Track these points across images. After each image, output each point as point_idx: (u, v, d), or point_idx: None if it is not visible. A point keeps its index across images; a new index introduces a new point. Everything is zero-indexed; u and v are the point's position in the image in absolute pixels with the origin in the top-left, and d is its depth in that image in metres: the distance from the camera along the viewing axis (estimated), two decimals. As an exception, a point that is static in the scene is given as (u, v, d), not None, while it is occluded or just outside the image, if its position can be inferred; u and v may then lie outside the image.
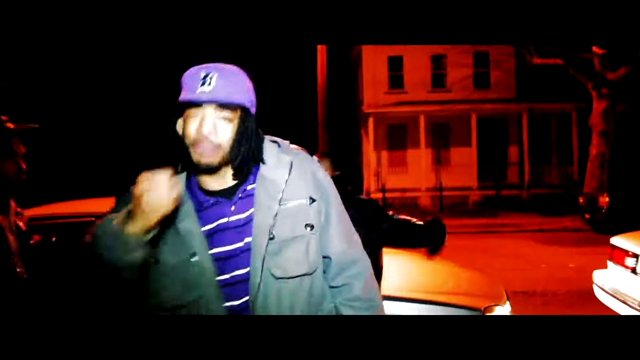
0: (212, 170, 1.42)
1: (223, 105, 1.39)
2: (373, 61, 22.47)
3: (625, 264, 5.17)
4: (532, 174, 21.02)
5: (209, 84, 1.38)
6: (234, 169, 1.45)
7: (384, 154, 22.30)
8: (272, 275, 1.42)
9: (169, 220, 1.35)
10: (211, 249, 1.42)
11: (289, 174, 1.49)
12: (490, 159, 21.73)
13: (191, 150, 1.40)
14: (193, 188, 1.48)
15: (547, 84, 20.14)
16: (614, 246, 5.46)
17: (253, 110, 1.49)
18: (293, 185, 1.49)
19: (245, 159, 1.45)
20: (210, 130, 1.39)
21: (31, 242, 3.00)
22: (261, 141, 1.51)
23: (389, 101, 21.89)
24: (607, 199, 12.73)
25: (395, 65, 22.49)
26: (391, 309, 2.90)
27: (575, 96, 19.27)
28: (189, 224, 1.41)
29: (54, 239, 3.52)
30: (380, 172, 21.72)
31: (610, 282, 5.30)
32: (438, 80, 22.43)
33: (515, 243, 11.75)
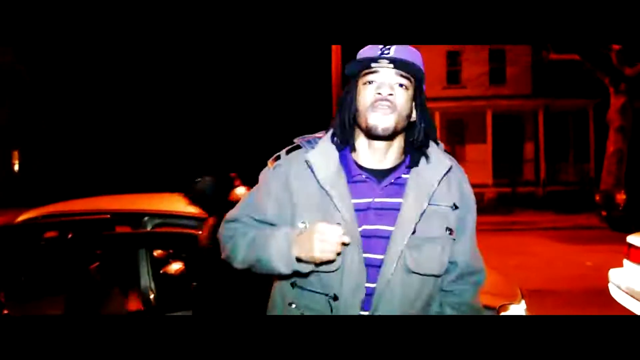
0: (386, 137, 1.47)
1: (402, 70, 1.46)
2: (387, 57, 22.38)
3: (643, 262, 5.11)
4: (548, 171, 20.82)
5: (388, 51, 1.46)
6: (412, 141, 1.53)
7: (399, 151, 22.20)
8: (407, 267, 1.47)
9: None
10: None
11: (443, 177, 1.53)
12: (505, 156, 21.55)
13: (368, 115, 1.46)
14: (347, 160, 1.53)
15: (564, 80, 19.91)
16: (630, 244, 5.40)
17: (424, 87, 1.55)
18: (443, 188, 1.53)
19: (422, 133, 1.53)
20: (390, 91, 1.45)
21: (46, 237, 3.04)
22: (434, 129, 1.57)
23: (404, 97, 21.76)
24: (624, 196, 12.58)
25: (409, 61, 22.37)
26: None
27: (592, 92, 19.04)
28: (343, 193, 1.46)
29: (70, 235, 3.55)
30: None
31: (627, 281, 5.24)
32: (453, 77, 22.28)
33: (531, 241, 11.67)
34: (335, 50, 13.03)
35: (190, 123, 27.79)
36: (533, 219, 15.26)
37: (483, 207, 18.92)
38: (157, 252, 4.08)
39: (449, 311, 1.60)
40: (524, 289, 3.77)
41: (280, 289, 1.61)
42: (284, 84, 27.58)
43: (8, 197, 18.00)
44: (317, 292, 1.50)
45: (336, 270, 1.45)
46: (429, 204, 1.48)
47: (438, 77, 22.10)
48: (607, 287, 5.57)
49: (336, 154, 1.52)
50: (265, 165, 1.64)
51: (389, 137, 1.48)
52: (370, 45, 1.50)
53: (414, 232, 1.46)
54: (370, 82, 1.46)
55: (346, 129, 1.52)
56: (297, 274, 1.49)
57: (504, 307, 3.21)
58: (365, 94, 1.47)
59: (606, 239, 11.22)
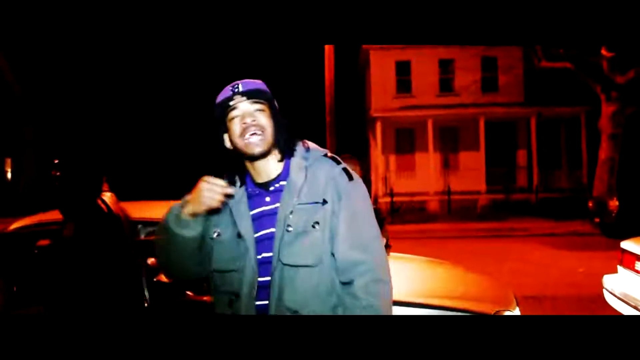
0: (260, 156, 1.74)
1: (255, 98, 1.74)
2: (381, 66, 22.46)
3: (636, 268, 5.13)
4: (541, 178, 20.91)
5: (237, 87, 1.75)
6: (280, 151, 1.78)
7: (392, 158, 22.26)
8: (282, 261, 1.68)
9: (224, 208, 1.75)
10: (255, 232, 1.73)
11: (305, 178, 1.75)
12: (499, 163, 21.62)
13: (242, 143, 1.73)
14: (248, 180, 1.82)
15: (556, 88, 20.03)
16: (624, 250, 5.42)
17: (276, 105, 1.81)
18: (310, 187, 1.73)
19: (286, 142, 1.79)
20: (252, 118, 1.72)
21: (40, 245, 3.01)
22: (294, 136, 1.82)
23: (397, 105, 21.86)
24: (616, 203, 12.64)
25: (403, 69, 22.47)
26: (400, 314, 2.88)
27: (584, 100, 19.17)
28: (241, 208, 1.77)
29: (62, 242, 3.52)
30: (388, 177, 21.69)
31: (621, 286, 5.25)
32: (446, 85, 22.38)
33: (524, 247, 11.69)
34: (329, 50, 13.07)
35: (182, 128, 27.74)
36: (526, 226, 15.30)
37: (477, 214, 19.00)
38: (150, 260, 4.06)
39: (347, 301, 1.69)
40: (518, 295, 3.77)
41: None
42: (278, 84, 27.56)
43: (1, 205, 17.89)
44: (224, 292, 1.76)
45: (233, 271, 1.73)
46: (295, 202, 1.71)
47: (431, 85, 22.21)
48: (601, 293, 5.58)
49: (237, 179, 1.82)
50: None
51: (265, 154, 1.74)
52: (223, 91, 1.78)
53: (288, 230, 1.68)
54: (234, 118, 1.74)
55: (228, 159, 1.81)
56: (213, 278, 1.81)
57: (498, 313, 3.21)
58: (235, 128, 1.74)
59: (599, 245, 11.25)
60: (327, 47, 12.95)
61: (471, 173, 20.99)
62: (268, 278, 1.69)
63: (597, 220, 13.32)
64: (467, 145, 21.84)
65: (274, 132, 1.75)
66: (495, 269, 8.39)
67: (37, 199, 16.35)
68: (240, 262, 1.72)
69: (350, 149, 27.35)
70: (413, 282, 3.82)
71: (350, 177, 1.77)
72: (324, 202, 1.71)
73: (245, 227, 1.73)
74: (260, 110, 1.74)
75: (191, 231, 1.72)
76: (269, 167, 1.78)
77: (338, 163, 1.80)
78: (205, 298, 3.50)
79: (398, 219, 17.28)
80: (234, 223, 1.75)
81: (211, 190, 1.66)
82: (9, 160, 23.27)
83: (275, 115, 1.78)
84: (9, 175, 23.32)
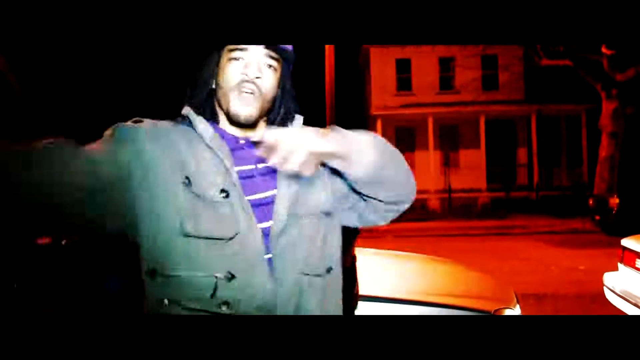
0: (247, 126, 1.35)
1: (272, 50, 1.33)
2: (381, 64, 22.47)
3: (636, 266, 5.14)
4: (542, 176, 20.92)
5: None
6: (273, 121, 1.41)
7: (392, 157, 22.24)
8: (296, 213, 1.32)
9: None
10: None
11: None
12: (499, 161, 21.64)
13: (231, 99, 1.31)
14: (221, 132, 1.37)
15: (557, 86, 20.05)
16: (624, 248, 5.43)
17: (291, 68, 1.43)
18: None
19: (281, 119, 1.42)
20: (257, 74, 1.30)
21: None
22: (296, 106, 1.47)
23: (397, 103, 21.86)
24: (617, 201, 12.65)
25: (403, 67, 22.48)
26: (400, 312, 2.89)
27: (584, 97, 19.18)
28: (227, 160, 1.30)
29: (64, 241, 3.54)
30: (388, 175, 21.68)
31: (622, 284, 5.26)
32: (446, 83, 22.39)
33: (525, 245, 11.69)
34: (329, 50, 13.06)
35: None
36: (527, 224, 15.31)
37: (477, 212, 19.01)
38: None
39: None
40: (519, 293, 3.78)
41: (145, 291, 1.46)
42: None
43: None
44: (201, 276, 1.29)
45: (224, 239, 1.25)
46: None
47: (431, 83, 22.21)
48: (602, 291, 5.59)
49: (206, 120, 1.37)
50: None
51: (251, 123, 1.34)
52: None
53: (293, 187, 1.34)
54: (236, 59, 1.31)
55: (203, 106, 1.38)
56: (158, 258, 1.33)
57: (499, 311, 3.21)
58: (230, 72, 1.31)
59: (600, 243, 11.26)
60: (327, 46, 12.96)
61: (471, 171, 21.01)
62: (268, 224, 1.31)
63: (597, 218, 13.33)
64: (467, 143, 21.86)
65: (273, 97, 1.37)
66: (495, 266, 8.40)
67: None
68: (237, 228, 1.27)
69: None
70: (414, 280, 3.82)
71: None
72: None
73: (236, 184, 1.28)
74: (272, 67, 1.33)
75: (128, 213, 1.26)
76: (259, 129, 1.38)
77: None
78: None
79: (398, 217, 17.25)
80: (217, 174, 1.28)
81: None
82: (9, 159, 23.31)
83: (284, 79, 1.40)
84: (9, 174, 23.36)
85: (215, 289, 1.22)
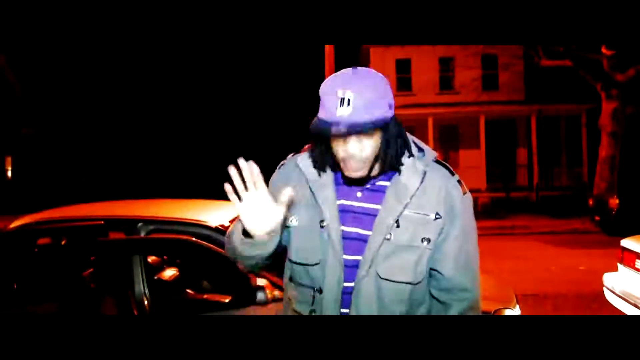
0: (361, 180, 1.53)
1: (359, 132, 1.42)
2: (381, 64, 22.44)
3: (636, 266, 5.13)
4: (542, 176, 20.91)
5: (348, 104, 1.39)
6: (382, 167, 1.53)
7: (392, 157, 22.23)
8: (377, 273, 1.49)
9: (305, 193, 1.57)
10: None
11: (421, 183, 1.52)
12: (499, 161, 21.63)
13: (341, 164, 1.50)
14: (333, 164, 1.58)
15: (556, 86, 20.04)
16: (624, 248, 5.42)
17: (392, 111, 1.52)
18: (423, 196, 1.52)
19: (392, 159, 1.52)
20: (356, 148, 1.45)
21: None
22: (405, 144, 1.58)
23: (397, 103, 21.38)
24: (617, 201, 12.64)
25: (403, 67, 22.47)
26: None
27: (584, 97, 19.17)
28: (327, 193, 1.55)
29: (63, 242, 3.54)
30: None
31: (621, 284, 5.26)
32: (446, 83, 22.38)
33: (525, 245, 11.69)
34: (329, 50, 13.06)
35: (182, 127, 27.74)
36: (527, 224, 15.30)
37: (477, 212, 18.86)
38: (151, 259, 4.07)
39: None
40: (518, 294, 3.78)
41: (285, 285, 1.70)
42: (276, 85, 27.59)
43: (1, 204, 17.90)
44: (306, 286, 1.58)
45: (316, 264, 1.53)
46: (404, 209, 1.50)
47: (431, 83, 22.20)
48: (602, 291, 5.58)
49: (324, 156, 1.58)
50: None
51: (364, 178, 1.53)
52: (328, 87, 1.45)
53: (389, 239, 1.49)
54: (335, 136, 1.46)
55: (323, 156, 1.57)
56: (289, 271, 1.64)
57: (499, 311, 3.21)
58: (336, 149, 1.50)
59: (600, 243, 11.25)
60: (327, 47, 12.95)
61: (471, 171, 20.98)
62: (350, 284, 1.51)
63: (597, 218, 13.32)
64: (467, 143, 21.84)
65: (382, 152, 1.50)
66: (495, 267, 8.40)
67: (37, 198, 16.35)
68: (322, 256, 1.53)
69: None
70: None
71: (464, 191, 1.60)
72: (437, 216, 1.52)
73: (331, 215, 1.52)
74: (369, 135, 1.46)
75: (270, 245, 1.50)
76: (369, 169, 1.53)
77: (452, 173, 1.60)
78: (205, 296, 3.50)
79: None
80: (316, 209, 1.54)
81: (258, 208, 1.43)
82: (9, 159, 23.28)
83: (387, 135, 1.50)
84: (9, 173, 23.33)
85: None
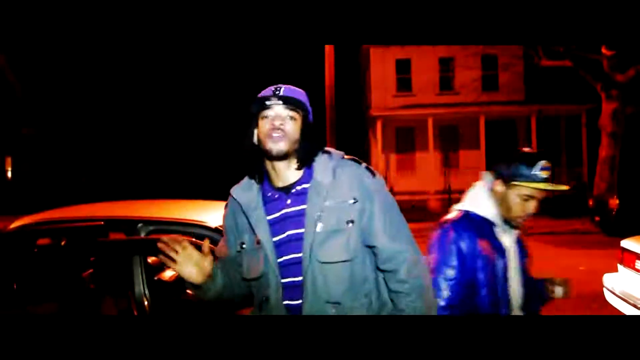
0: (280, 157, 1.80)
1: (291, 104, 1.80)
2: (381, 64, 22.46)
3: (636, 267, 5.13)
4: (542, 176, 20.88)
5: (279, 90, 1.82)
6: (299, 159, 1.83)
7: (392, 157, 22.26)
8: (318, 260, 1.75)
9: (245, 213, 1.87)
10: (274, 236, 1.81)
11: (333, 178, 1.81)
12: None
13: (266, 142, 1.79)
14: (264, 184, 1.90)
15: (556, 86, 20.04)
16: (624, 249, 5.42)
17: (310, 117, 1.89)
18: (337, 187, 1.81)
19: (306, 152, 1.83)
20: (281, 122, 1.79)
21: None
22: (320, 145, 1.88)
23: (397, 104, 21.85)
24: (617, 201, 12.64)
25: (403, 68, 22.47)
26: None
27: (584, 98, 19.17)
28: (259, 214, 1.84)
29: (63, 242, 3.53)
30: (388, 175, 21.68)
31: (621, 285, 5.25)
32: (446, 83, 22.38)
33: (525, 246, 11.66)
34: (329, 50, 13.05)
35: (182, 127, 27.74)
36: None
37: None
38: (151, 259, 4.06)
39: (398, 290, 1.79)
40: (518, 294, 3.76)
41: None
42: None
43: (1, 204, 17.91)
44: (257, 297, 1.88)
45: (259, 278, 1.82)
46: (325, 202, 1.78)
47: (431, 84, 22.21)
48: (602, 292, 5.58)
49: (255, 185, 1.90)
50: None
51: (283, 157, 1.80)
52: (266, 89, 1.86)
53: (319, 229, 1.76)
54: (266, 117, 1.81)
55: (251, 155, 1.87)
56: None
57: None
58: (264, 126, 1.81)
59: (600, 244, 11.25)
60: (327, 47, 12.95)
61: (471, 172, 20.98)
62: (299, 278, 1.77)
63: (597, 218, 13.32)
64: (467, 144, 21.85)
65: (298, 140, 1.82)
66: (495, 267, 8.37)
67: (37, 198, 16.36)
68: (263, 268, 1.81)
69: (351, 147, 27.44)
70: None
71: (374, 174, 1.88)
72: (354, 200, 1.79)
73: (264, 232, 1.81)
74: (291, 117, 1.81)
75: (218, 283, 1.87)
76: (289, 172, 1.85)
77: (359, 163, 1.89)
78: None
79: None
80: (253, 230, 1.84)
81: (187, 263, 1.77)
82: (9, 159, 23.29)
83: (305, 127, 1.85)
84: (9, 174, 23.34)
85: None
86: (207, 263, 1.80)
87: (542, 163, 2.29)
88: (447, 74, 22.36)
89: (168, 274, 4.05)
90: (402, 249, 1.82)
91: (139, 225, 3.25)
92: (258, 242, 1.82)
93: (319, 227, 1.76)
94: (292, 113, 1.82)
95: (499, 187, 2.34)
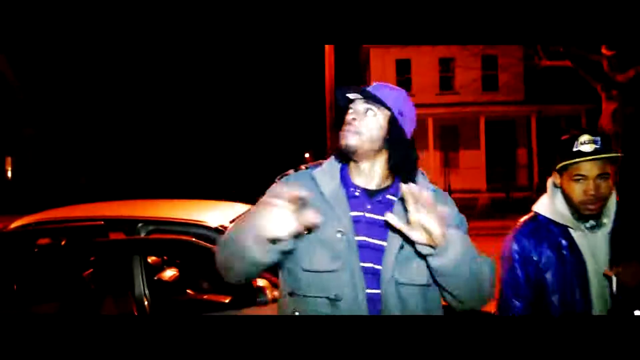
0: (353, 155, 1.68)
1: (371, 100, 1.68)
2: (381, 64, 22.46)
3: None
4: (542, 176, 20.90)
5: (367, 87, 1.69)
6: (388, 163, 1.71)
7: (392, 157, 22.22)
8: (397, 279, 1.60)
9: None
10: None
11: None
12: (499, 162, 21.64)
13: (343, 130, 1.71)
14: (345, 177, 1.75)
15: (556, 86, 20.03)
16: (624, 249, 5.41)
17: (401, 120, 1.70)
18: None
19: (398, 158, 1.70)
20: (355, 117, 1.70)
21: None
22: (414, 159, 1.74)
23: (397, 104, 21.82)
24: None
25: (403, 68, 22.48)
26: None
27: (584, 98, 19.15)
28: (344, 209, 1.65)
29: (63, 242, 3.54)
30: (388, 175, 21.66)
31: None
32: (446, 83, 22.39)
33: (525, 246, 11.66)
34: (329, 50, 13.04)
35: (182, 128, 27.74)
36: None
37: (477, 213, 18.98)
38: (151, 259, 4.07)
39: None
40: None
41: (280, 305, 1.77)
42: (278, 84, 27.62)
43: (1, 204, 17.91)
44: (318, 297, 1.62)
45: (333, 271, 1.60)
46: None
47: (431, 84, 22.20)
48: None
49: (338, 172, 1.74)
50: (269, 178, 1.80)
51: (356, 155, 1.68)
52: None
53: (402, 247, 1.60)
54: (348, 110, 1.73)
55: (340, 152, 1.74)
56: (292, 284, 1.67)
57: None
58: (345, 119, 1.73)
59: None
60: (327, 47, 12.94)
61: (471, 171, 21.01)
62: (374, 291, 1.61)
63: (597, 218, 13.32)
64: (467, 144, 21.85)
65: (379, 139, 1.67)
66: (495, 267, 8.38)
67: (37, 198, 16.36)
68: (339, 263, 1.61)
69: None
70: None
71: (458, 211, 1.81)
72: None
73: (347, 225, 1.63)
74: (369, 112, 1.69)
75: (277, 255, 1.52)
76: (374, 175, 1.72)
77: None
78: (205, 297, 3.51)
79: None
80: (331, 219, 1.63)
81: (274, 219, 1.42)
82: (9, 159, 23.30)
83: (390, 126, 1.69)
84: (9, 174, 23.34)
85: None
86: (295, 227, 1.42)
87: (583, 138, 2.03)
88: (447, 74, 22.37)
89: (168, 274, 4.05)
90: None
91: (139, 225, 3.25)
92: (339, 233, 1.61)
93: (403, 245, 1.61)
94: (370, 107, 1.69)
95: (557, 178, 2.17)
